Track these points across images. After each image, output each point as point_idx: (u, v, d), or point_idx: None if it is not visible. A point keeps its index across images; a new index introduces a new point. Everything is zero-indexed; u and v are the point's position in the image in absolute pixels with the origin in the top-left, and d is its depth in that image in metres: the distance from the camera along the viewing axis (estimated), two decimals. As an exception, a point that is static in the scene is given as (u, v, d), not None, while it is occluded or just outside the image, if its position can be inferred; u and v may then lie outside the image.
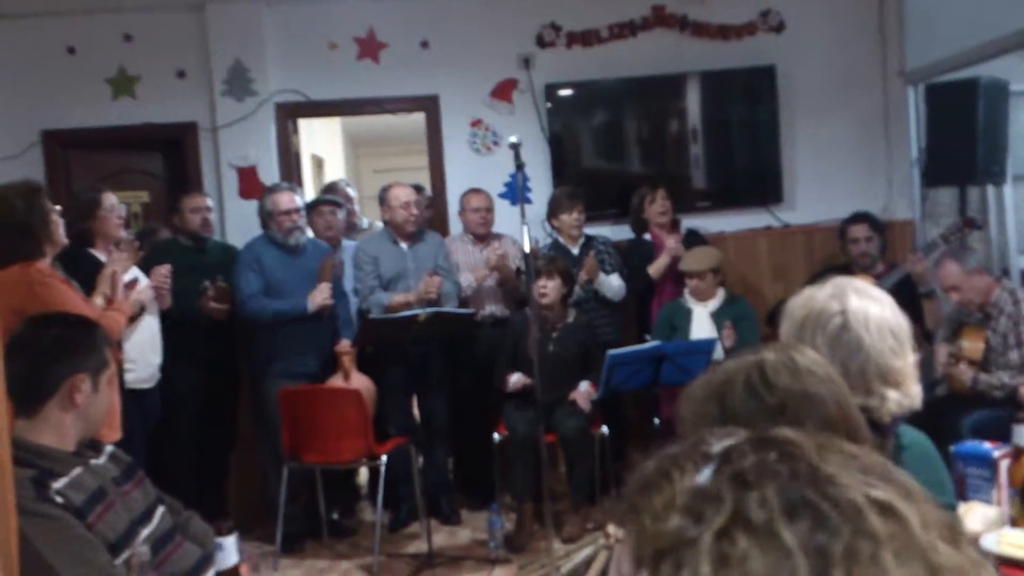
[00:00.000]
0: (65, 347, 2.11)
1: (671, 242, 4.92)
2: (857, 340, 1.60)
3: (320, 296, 4.49)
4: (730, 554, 0.58)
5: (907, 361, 1.65)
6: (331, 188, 5.62)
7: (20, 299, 2.95)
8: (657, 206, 5.05)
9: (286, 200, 4.61)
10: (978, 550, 0.64)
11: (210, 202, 4.84)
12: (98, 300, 3.33)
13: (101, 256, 3.93)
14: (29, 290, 2.99)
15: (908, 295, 4.29)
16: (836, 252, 5.14)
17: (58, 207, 3.30)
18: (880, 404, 1.60)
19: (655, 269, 4.93)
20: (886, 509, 0.59)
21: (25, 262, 3.09)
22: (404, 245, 4.83)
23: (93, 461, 2.13)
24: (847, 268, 4.69)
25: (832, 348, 1.60)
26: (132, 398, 3.79)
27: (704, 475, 0.63)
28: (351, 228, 5.39)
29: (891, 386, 1.62)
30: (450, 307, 4.70)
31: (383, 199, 4.92)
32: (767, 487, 0.60)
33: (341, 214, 5.18)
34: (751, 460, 0.63)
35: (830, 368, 1.33)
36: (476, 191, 5.12)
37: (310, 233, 4.98)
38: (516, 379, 4.60)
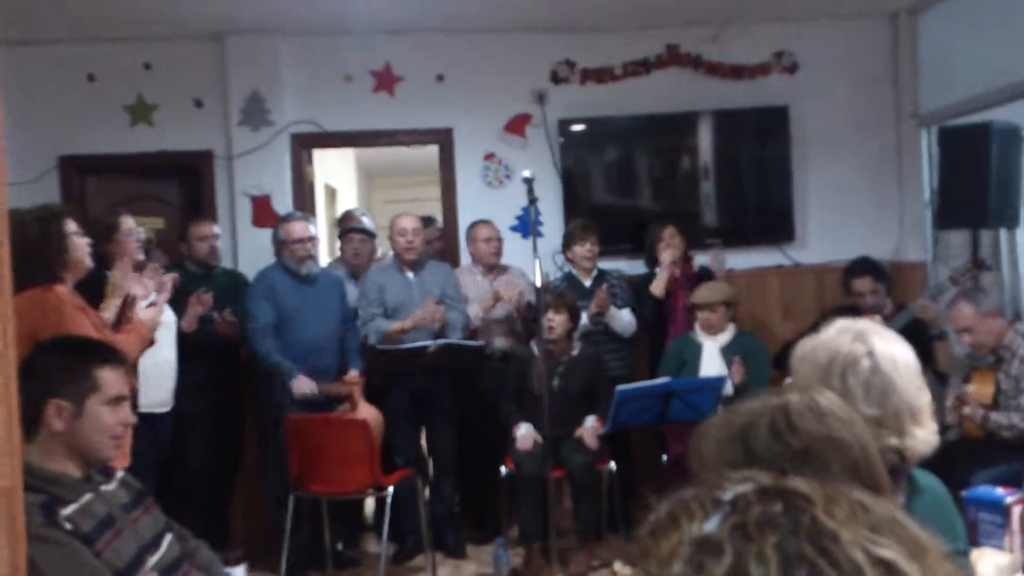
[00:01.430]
0: (41, 372, 2.08)
1: (666, 256, 4.92)
2: (890, 382, 1.60)
3: (305, 388, 4.48)
4: None
5: (927, 399, 1.65)
6: (347, 217, 5.67)
7: (34, 324, 2.95)
8: (663, 244, 5.04)
9: (299, 229, 4.65)
10: None
11: (218, 230, 4.86)
12: (106, 315, 3.31)
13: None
14: (43, 316, 2.99)
15: (919, 337, 4.27)
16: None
17: (78, 232, 3.30)
18: (913, 444, 1.60)
19: (657, 286, 4.92)
20: (888, 568, 0.59)
21: (43, 286, 3.09)
22: (410, 275, 4.84)
23: (103, 487, 2.12)
24: (854, 310, 4.67)
25: (867, 391, 1.60)
26: (145, 423, 3.78)
27: (712, 523, 0.63)
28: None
29: (919, 425, 1.62)
30: (457, 338, 4.69)
31: (390, 228, 4.98)
32: (767, 541, 0.60)
33: (371, 243, 5.24)
34: (756, 511, 0.63)
35: (852, 411, 1.33)
36: (484, 222, 5.14)
37: (323, 262, 5.01)
38: (524, 434, 4.52)
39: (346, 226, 5.40)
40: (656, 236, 5.08)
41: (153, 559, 2.09)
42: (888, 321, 4.33)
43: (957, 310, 4.01)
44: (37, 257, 3.11)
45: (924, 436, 1.62)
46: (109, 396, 2.10)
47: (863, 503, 0.64)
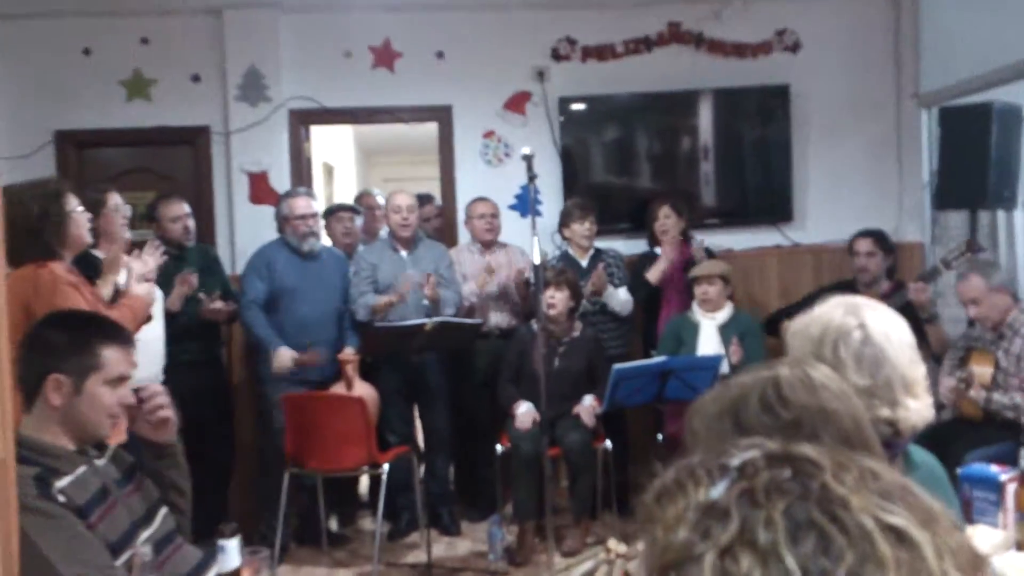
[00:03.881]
0: (43, 346, 2.07)
1: (668, 249, 4.91)
2: (881, 352, 1.60)
3: (283, 362, 4.48)
4: (733, 573, 0.57)
5: (922, 372, 1.65)
6: (363, 196, 5.71)
7: (29, 299, 2.95)
8: (658, 224, 5.04)
9: (303, 205, 4.65)
10: None
11: (188, 208, 4.73)
12: (105, 291, 3.30)
13: (102, 255, 3.92)
14: (35, 292, 2.98)
15: (911, 320, 4.26)
16: (844, 272, 5.12)
17: (80, 208, 3.26)
18: (906, 415, 1.60)
19: (653, 274, 4.91)
20: (898, 535, 0.58)
21: (37, 263, 3.08)
22: (404, 253, 4.83)
23: (97, 461, 2.12)
24: (851, 286, 4.67)
25: (858, 361, 1.59)
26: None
27: (718, 489, 0.62)
28: (372, 235, 5.42)
29: (913, 397, 1.61)
30: (448, 315, 4.67)
31: (385, 205, 4.98)
32: (775, 507, 0.59)
33: (359, 221, 5.22)
34: (764, 477, 0.62)
35: (844, 384, 1.32)
36: (482, 199, 5.12)
37: (326, 240, 5.00)
38: (524, 412, 4.53)
39: (334, 205, 5.41)
40: (652, 215, 5.07)
41: (146, 533, 2.09)
42: (884, 301, 4.31)
43: (968, 281, 4.00)
44: (34, 234, 3.09)
45: (918, 408, 1.61)
46: (111, 376, 2.08)
47: (873, 470, 0.63)
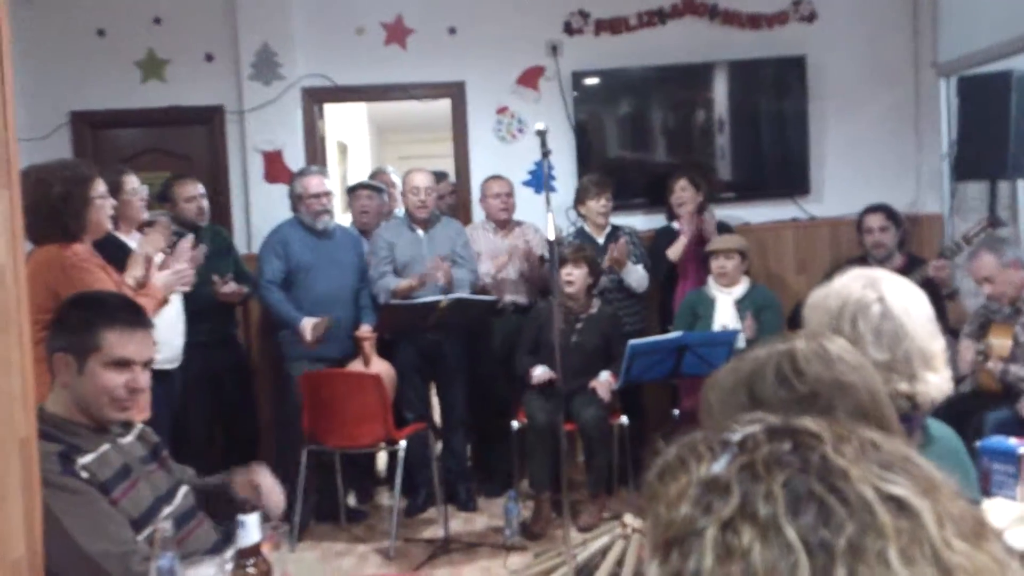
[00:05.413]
0: (56, 324, 2.12)
1: (685, 225, 4.89)
2: (900, 327, 1.59)
3: (313, 331, 4.51)
4: (734, 547, 0.58)
5: (941, 346, 1.64)
6: (377, 174, 5.69)
7: (54, 279, 2.97)
8: (674, 197, 5.02)
9: (316, 183, 4.65)
10: (1004, 548, 0.62)
11: (202, 189, 4.73)
12: (130, 282, 3.33)
13: (124, 237, 3.94)
14: (63, 272, 3.00)
15: (931, 296, 4.24)
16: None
17: (105, 193, 3.26)
18: (924, 389, 1.59)
19: (673, 251, 4.90)
20: (898, 504, 0.58)
21: (60, 244, 3.09)
22: (421, 232, 4.83)
23: (120, 439, 2.15)
24: (863, 261, 4.65)
25: (877, 335, 1.58)
26: (156, 378, 3.79)
27: (719, 464, 0.63)
28: (387, 214, 5.42)
29: (932, 371, 1.60)
30: (465, 294, 4.68)
31: (402, 184, 4.97)
32: (775, 480, 0.60)
33: (379, 199, 5.23)
34: (764, 451, 0.62)
35: (861, 356, 1.32)
36: (496, 177, 5.11)
37: (340, 218, 5.01)
38: (540, 372, 4.57)
39: (356, 183, 5.42)
40: (668, 188, 5.05)
41: (168, 510, 2.12)
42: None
43: (979, 259, 3.98)
44: (53, 217, 3.10)
45: (936, 382, 1.60)
46: (110, 358, 2.06)
47: (873, 441, 0.64)
